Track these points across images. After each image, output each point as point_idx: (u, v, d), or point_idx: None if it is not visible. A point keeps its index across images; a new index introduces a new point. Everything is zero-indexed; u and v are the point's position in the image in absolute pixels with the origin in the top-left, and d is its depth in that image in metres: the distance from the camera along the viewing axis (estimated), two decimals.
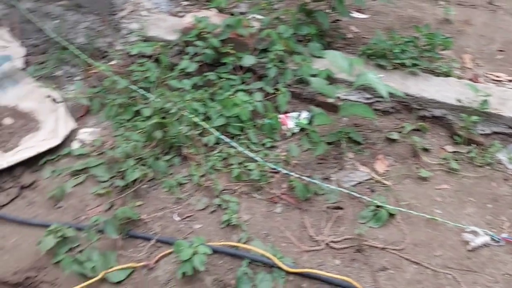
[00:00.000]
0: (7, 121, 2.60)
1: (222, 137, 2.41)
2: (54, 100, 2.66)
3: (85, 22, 2.96)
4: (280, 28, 2.77)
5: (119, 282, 1.92)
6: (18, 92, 2.74)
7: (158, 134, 2.31)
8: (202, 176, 2.32)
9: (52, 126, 2.55)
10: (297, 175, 2.28)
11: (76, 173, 2.35)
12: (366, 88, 2.63)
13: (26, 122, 2.61)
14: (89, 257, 1.96)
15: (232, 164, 2.36)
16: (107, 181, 2.31)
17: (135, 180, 2.25)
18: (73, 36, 2.97)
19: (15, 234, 2.12)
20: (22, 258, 2.03)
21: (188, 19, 2.83)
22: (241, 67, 2.72)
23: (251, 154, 2.35)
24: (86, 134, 2.57)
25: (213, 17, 2.86)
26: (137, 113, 2.61)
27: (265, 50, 2.75)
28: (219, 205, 2.21)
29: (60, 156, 2.43)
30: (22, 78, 2.78)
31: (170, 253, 2.01)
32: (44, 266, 1.99)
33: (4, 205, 2.23)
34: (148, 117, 2.53)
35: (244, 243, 2.04)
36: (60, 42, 2.92)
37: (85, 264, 1.93)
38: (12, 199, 2.26)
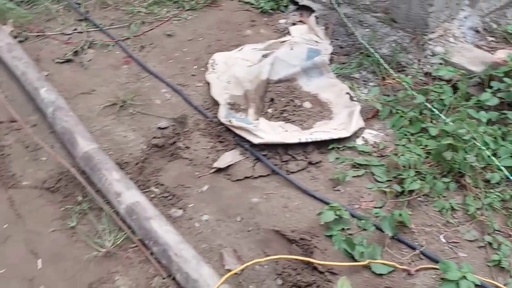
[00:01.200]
0: (307, 105, 3.00)
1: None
2: (351, 97, 2.96)
3: (393, 36, 3.19)
4: None
5: (379, 275, 2.08)
6: (321, 83, 3.11)
7: (448, 155, 2.37)
8: (478, 209, 2.31)
9: (343, 119, 2.84)
10: None
11: (356, 165, 2.59)
12: None
13: (322, 110, 2.98)
14: (360, 242, 2.16)
15: None
16: (383, 182, 2.49)
17: (411, 191, 2.37)
18: (378, 46, 3.23)
19: (298, 199, 2.47)
20: (300, 221, 2.35)
21: (499, 55, 2.80)
22: None
23: None
24: (370, 135, 2.80)
25: None
26: (423, 129, 2.72)
27: None
28: (490, 244, 2.18)
29: (345, 147, 2.71)
30: (327, 72, 3.15)
31: (431, 268, 2.08)
32: (317, 235, 2.27)
33: (293, 172, 2.61)
34: (433, 137, 2.62)
35: None
36: (365, 49, 3.22)
37: (355, 247, 2.14)
38: (300, 170, 2.61)
